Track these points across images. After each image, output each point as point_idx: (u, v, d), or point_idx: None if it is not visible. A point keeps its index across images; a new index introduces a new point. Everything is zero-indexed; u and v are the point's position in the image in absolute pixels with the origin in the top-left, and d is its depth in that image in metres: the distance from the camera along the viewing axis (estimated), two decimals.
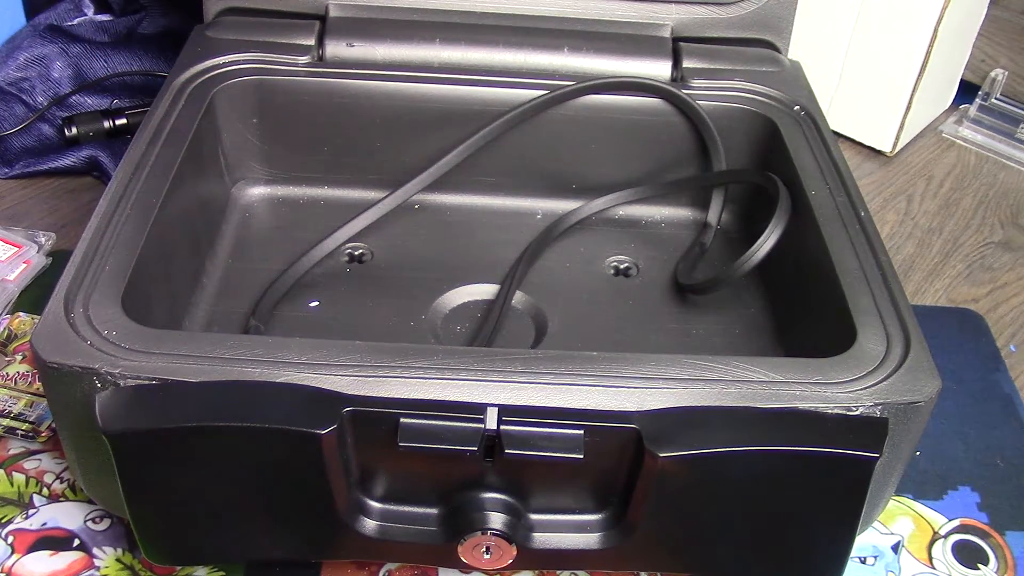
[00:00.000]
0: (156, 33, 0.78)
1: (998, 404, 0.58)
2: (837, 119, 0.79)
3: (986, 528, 0.51)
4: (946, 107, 0.84)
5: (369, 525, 0.41)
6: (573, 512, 0.42)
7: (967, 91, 0.83)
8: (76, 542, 0.47)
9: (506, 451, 0.38)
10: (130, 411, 0.38)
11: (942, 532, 0.51)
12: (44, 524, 0.48)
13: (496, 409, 0.38)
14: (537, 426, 0.38)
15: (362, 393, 0.38)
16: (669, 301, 0.55)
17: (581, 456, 0.38)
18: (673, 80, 0.59)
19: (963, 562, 0.50)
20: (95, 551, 0.47)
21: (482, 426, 0.38)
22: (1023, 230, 0.73)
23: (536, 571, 0.47)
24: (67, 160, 0.69)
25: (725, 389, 0.39)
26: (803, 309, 0.50)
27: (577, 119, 0.58)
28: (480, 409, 0.38)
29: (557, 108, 0.57)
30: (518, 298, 0.54)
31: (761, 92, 0.58)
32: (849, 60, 0.77)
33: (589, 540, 0.42)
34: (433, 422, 0.38)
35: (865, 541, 0.50)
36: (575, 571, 0.47)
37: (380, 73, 0.57)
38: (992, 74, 0.81)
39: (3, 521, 0.48)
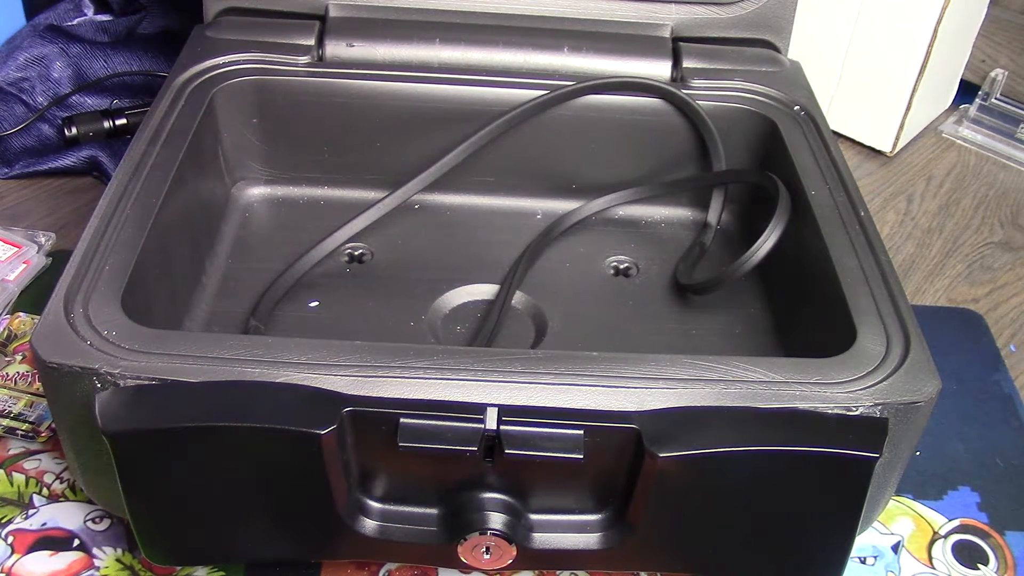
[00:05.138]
0: (156, 33, 0.78)
1: (998, 404, 0.58)
2: (837, 119, 0.79)
3: (986, 528, 0.51)
4: (946, 107, 0.84)
5: (369, 525, 0.41)
6: (573, 512, 0.42)
7: (967, 91, 0.83)
8: (76, 542, 0.47)
9: (506, 451, 0.38)
10: (130, 411, 0.38)
11: (942, 532, 0.51)
12: (44, 524, 0.48)
13: (496, 409, 0.38)
14: (537, 426, 0.38)
15: (362, 393, 0.38)
16: (669, 301, 0.55)
17: (581, 456, 0.38)
18: (673, 80, 0.59)
19: (963, 562, 0.50)
20: (95, 551, 0.47)
21: (482, 426, 0.38)
22: (1023, 230, 0.73)
23: (536, 571, 0.47)
24: (67, 160, 0.69)
25: (725, 389, 0.39)
26: (803, 309, 0.50)
27: (577, 119, 0.58)
28: (480, 409, 0.38)
29: (557, 108, 0.57)
30: (518, 298, 0.54)
31: (761, 92, 0.58)
32: (849, 60, 0.77)
33: (589, 540, 0.42)
34: (433, 422, 0.38)
35: (865, 541, 0.50)
36: (575, 571, 0.47)
37: (380, 73, 0.57)
38: (992, 74, 0.81)
39: (3, 521, 0.48)
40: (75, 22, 0.77)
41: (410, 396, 0.38)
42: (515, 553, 0.41)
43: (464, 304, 0.54)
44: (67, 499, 0.49)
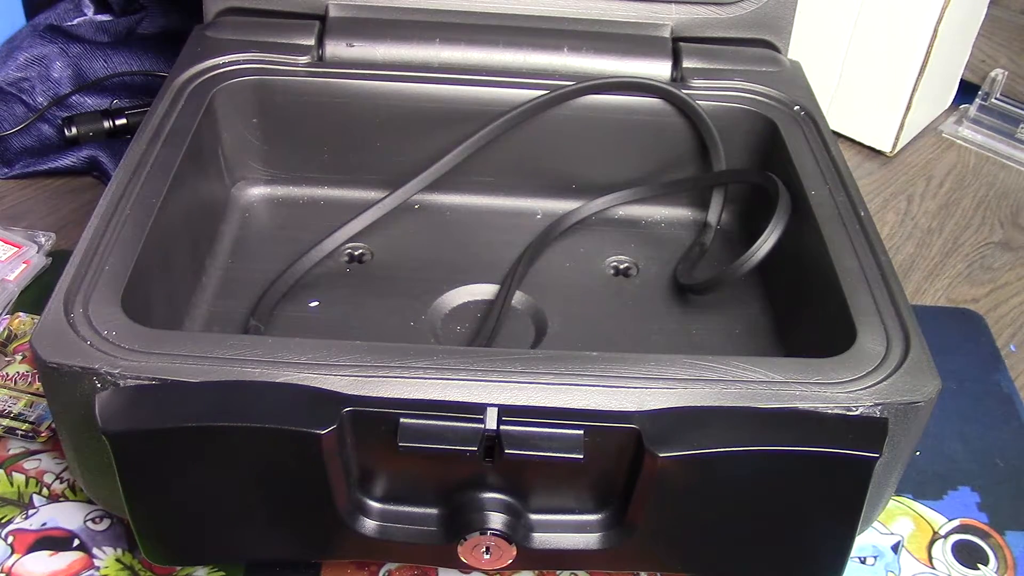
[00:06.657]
0: (156, 33, 0.78)
1: (998, 404, 0.58)
2: (837, 119, 0.79)
3: (986, 528, 0.51)
4: (946, 107, 0.84)
5: (369, 525, 0.41)
6: (573, 512, 0.42)
7: (967, 91, 0.83)
8: (76, 542, 0.47)
9: (506, 451, 0.38)
10: (130, 411, 0.38)
11: (942, 532, 0.51)
12: (44, 524, 0.48)
13: (496, 409, 0.38)
14: (537, 426, 0.38)
15: (362, 393, 0.38)
16: (669, 301, 0.55)
17: (581, 456, 0.38)
18: (673, 80, 0.59)
19: (963, 562, 0.50)
20: (95, 551, 0.47)
21: (482, 426, 0.38)
22: (1023, 230, 0.73)
23: (536, 571, 0.47)
24: (67, 160, 0.69)
25: (725, 389, 0.39)
26: (803, 309, 0.50)
27: (577, 119, 0.58)
28: (480, 409, 0.38)
29: (557, 108, 0.57)
30: (518, 298, 0.54)
31: (761, 92, 0.58)
32: (849, 60, 0.77)
33: (589, 540, 0.42)
34: (433, 422, 0.38)
35: (865, 541, 0.50)
36: (575, 571, 0.47)
37: (380, 73, 0.57)
38: (992, 74, 0.81)
39: (3, 521, 0.48)
40: (75, 22, 0.77)
41: (410, 396, 0.38)
42: (515, 553, 0.41)
43: (464, 304, 0.54)
44: (67, 499, 0.49)
